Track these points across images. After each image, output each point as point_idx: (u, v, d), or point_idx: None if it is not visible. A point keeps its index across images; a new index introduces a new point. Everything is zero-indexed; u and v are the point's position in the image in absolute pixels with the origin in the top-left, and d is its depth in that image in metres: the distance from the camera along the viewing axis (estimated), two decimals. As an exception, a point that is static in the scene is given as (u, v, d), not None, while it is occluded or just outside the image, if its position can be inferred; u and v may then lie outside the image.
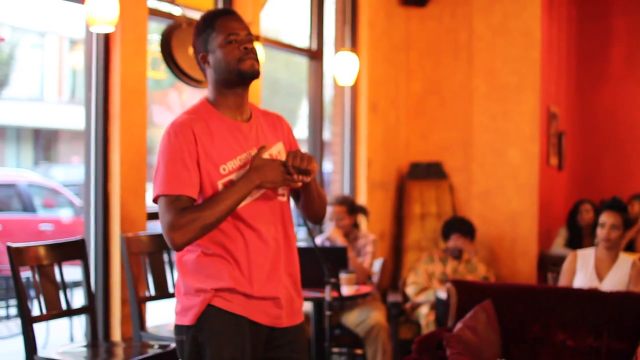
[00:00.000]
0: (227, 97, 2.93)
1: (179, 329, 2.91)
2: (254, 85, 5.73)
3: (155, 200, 2.82)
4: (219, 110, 2.92)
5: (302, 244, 5.83)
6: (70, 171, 17.19)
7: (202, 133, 2.82)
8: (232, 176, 2.84)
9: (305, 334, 3.15)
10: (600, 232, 5.18)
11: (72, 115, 18.65)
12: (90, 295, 4.37)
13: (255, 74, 2.91)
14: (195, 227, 2.74)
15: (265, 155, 2.91)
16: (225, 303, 2.83)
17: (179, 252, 2.88)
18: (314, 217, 3.19)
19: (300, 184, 2.91)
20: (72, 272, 4.83)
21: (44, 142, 20.21)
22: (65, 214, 11.92)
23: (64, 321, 4.74)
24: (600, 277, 5.15)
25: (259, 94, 5.89)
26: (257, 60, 2.91)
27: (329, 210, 6.10)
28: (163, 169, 2.79)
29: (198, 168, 2.80)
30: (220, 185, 2.82)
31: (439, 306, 5.95)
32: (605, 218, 5.18)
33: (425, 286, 6.59)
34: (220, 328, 2.83)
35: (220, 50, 2.88)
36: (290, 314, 3.01)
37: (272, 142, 3.00)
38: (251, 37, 2.93)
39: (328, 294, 4.37)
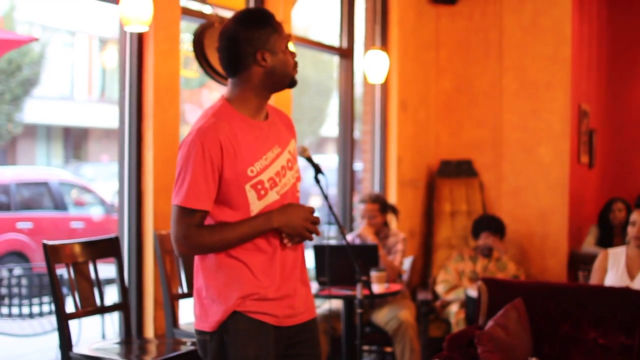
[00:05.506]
0: (254, 99, 2.91)
1: (200, 332, 2.92)
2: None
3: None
4: (239, 111, 2.89)
5: (333, 241, 5.83)
6: (99, 169, 17.33)
7: (227, 139, 2.79)
8: (261, 176, 2.84)
9: (318, 329, 3.16)
10: (631, 231, 5.16)
11: (101, 114, 18.81)
12: (124, 293, 4.41)
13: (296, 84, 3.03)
14: (202, 248, 2.85)
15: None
16: (248, 312, 2.84)
17: (199, 255, 2.92)
18: None
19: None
20: (106, 269, 4.87)
21: (74, 141, 20.39)
22: (95, 212, 12.02)
23: (95, 319, 4.79)
24: (632, 275, 5.13)
25: (290, 92, 5.91)
26: None
27: (361, 207, 6.11)
28: (185, 179, 2.78)
29: (220, 178, 2.80)
30: (248, 187, 2.82)
31: (469, 304, 5.95)
32: (636, 216, 5.16)
33: (455, 284, 6.59)
34: (245, 327, 2.84)
35: (283, 54, 2.90)
36: (308, 309, 3.03)
37: (288, 139, 3.01)
38: None
39: (359, 291, 4.36)
